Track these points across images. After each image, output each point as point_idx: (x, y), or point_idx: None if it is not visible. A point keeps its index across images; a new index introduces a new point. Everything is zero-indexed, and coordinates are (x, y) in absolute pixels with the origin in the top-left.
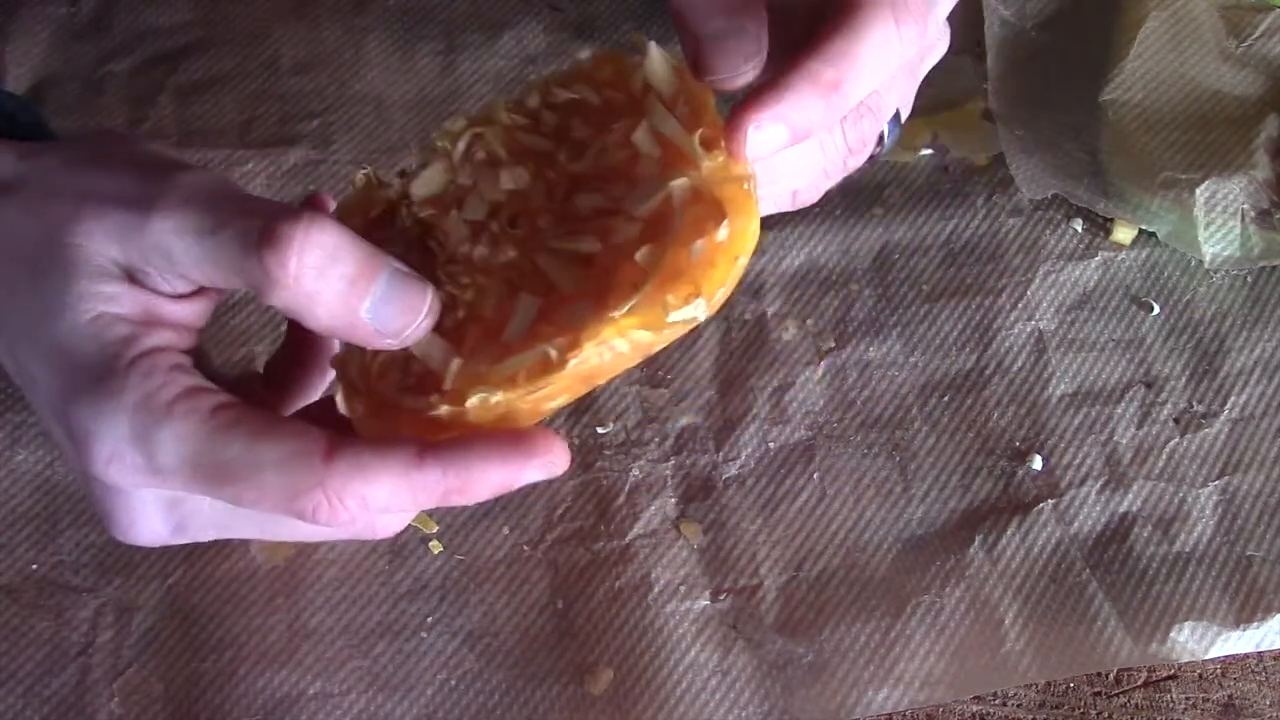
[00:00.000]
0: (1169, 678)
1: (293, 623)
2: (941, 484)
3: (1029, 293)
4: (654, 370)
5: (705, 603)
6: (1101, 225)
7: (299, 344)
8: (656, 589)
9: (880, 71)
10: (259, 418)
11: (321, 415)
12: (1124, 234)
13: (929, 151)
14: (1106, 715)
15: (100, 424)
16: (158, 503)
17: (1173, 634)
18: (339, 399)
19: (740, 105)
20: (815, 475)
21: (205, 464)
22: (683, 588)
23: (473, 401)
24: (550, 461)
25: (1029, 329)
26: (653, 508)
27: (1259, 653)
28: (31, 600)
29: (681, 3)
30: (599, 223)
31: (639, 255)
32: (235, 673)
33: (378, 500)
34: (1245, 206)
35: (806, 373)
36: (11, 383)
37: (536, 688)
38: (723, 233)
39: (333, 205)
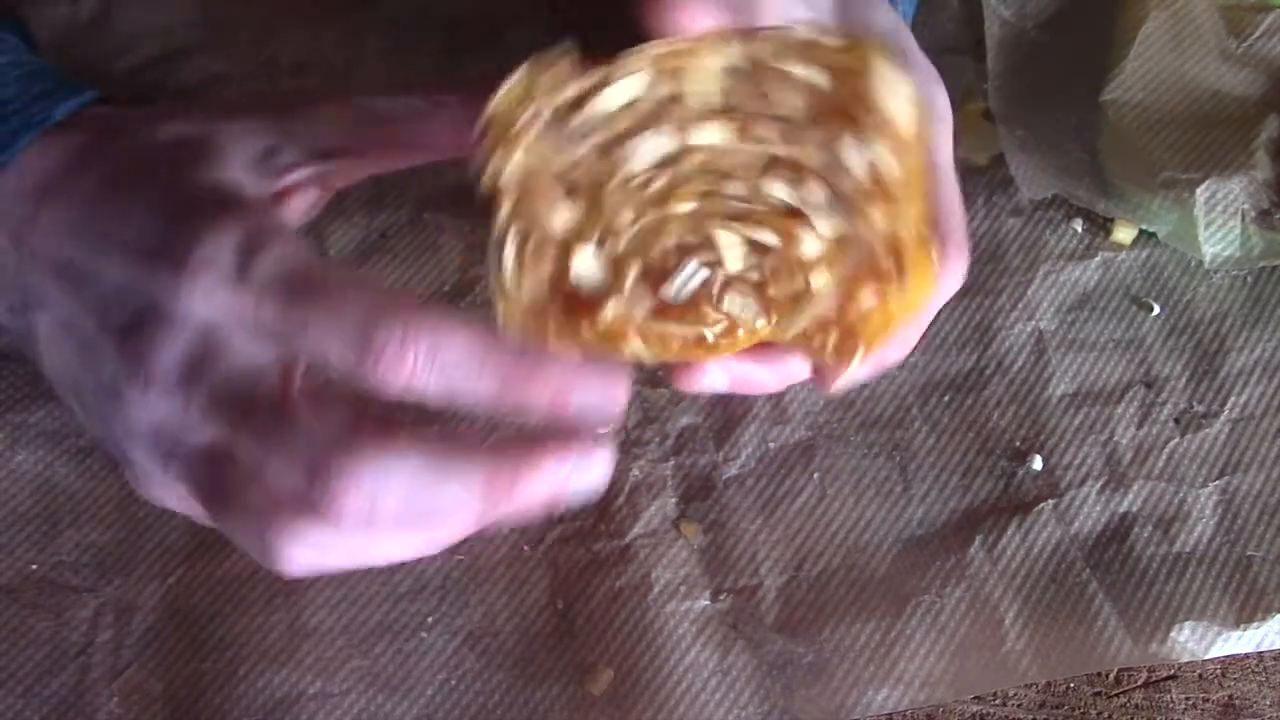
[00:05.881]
0: (1169, 678)
1: (293, 623)
2: (941, 484)
3: (1029, 293)
4: (654, 370)
5: (705, 603)
6: (1101, 225)
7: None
8: (656, 589)
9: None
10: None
11: None
12: (1124, 234)
13: None
14: (1106, 715)
15: (206, 234)
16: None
17: (1173, 634)
18: (502, 276)
19: None
20: (815, 475)
21: (299, 278)
22: (683, 588)
23: (627, 351)
24: (615, 393)
25: (1029, 329)
26: (653, 508)
27: (1259, 653)
28: (31, 600)
29: None
30: (783, 219)
31: (815, 280)
32: (235, 673)
33: (448, 358)
34: (1245, 206)
35: None
36: (12, 382)
37: (536, 688)
38: (901, 294)
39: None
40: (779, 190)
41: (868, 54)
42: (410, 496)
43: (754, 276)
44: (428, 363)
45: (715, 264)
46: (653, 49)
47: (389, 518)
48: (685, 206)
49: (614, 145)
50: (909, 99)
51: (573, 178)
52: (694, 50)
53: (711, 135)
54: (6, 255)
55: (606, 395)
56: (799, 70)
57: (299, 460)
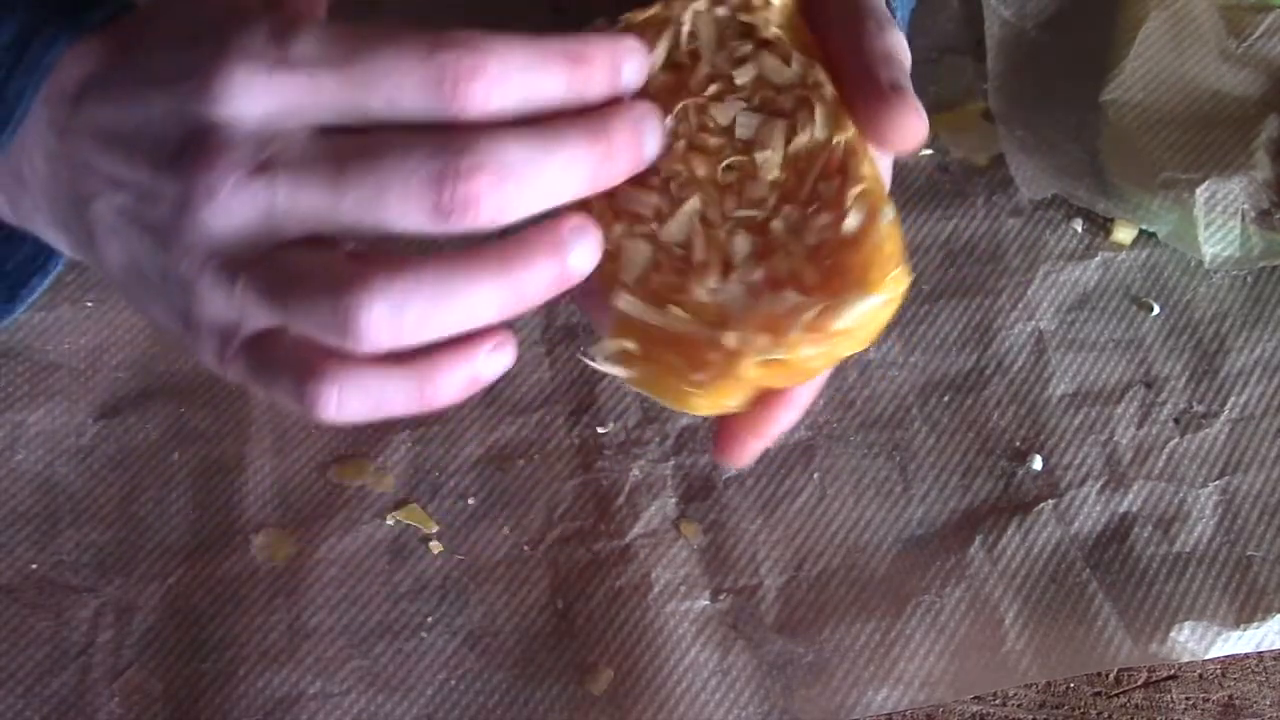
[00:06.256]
0: (1169, 678)
1: (293, 623)
2: (941, 484)
3: (1029, 293)
4: None
5: (705, 603)
6: (1101, 225)
7: None
8: (656, 589)
9: None
10: None
11: None
12: (1124, 234)
13: (929, 151)
14: (1106, 715)
15: (231, 36)
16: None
17: (1173, 634)
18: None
19: None
20: (815, 475)
21: (344, 41)
22: (683, 588)
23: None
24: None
25: (1029, 329)
26: (653, 508)
27: (1259, 653)
28: (31, 600)
29: None
30: (719, 261)
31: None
32: (235, 673)
33: (516, 59)
34: (1245, 206)
35: None
36: (12, 381)
37: (536, 688)
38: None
39: None
40: (740, 245)
41: (898, 289)
42: (533, 167)
43: (664, 262)
44: (500, 69)
45: (659, 221)
46: (824, 84)
47: (521, 192)
48: (699, 171)
49: (724, 85)
50: (867, 323)
51: (684, 63)
52: (835, 119)
53: (766, 163)
54: (57, 161)
55: (640, 48)
56: (848, 215)
57: (423, 164)
